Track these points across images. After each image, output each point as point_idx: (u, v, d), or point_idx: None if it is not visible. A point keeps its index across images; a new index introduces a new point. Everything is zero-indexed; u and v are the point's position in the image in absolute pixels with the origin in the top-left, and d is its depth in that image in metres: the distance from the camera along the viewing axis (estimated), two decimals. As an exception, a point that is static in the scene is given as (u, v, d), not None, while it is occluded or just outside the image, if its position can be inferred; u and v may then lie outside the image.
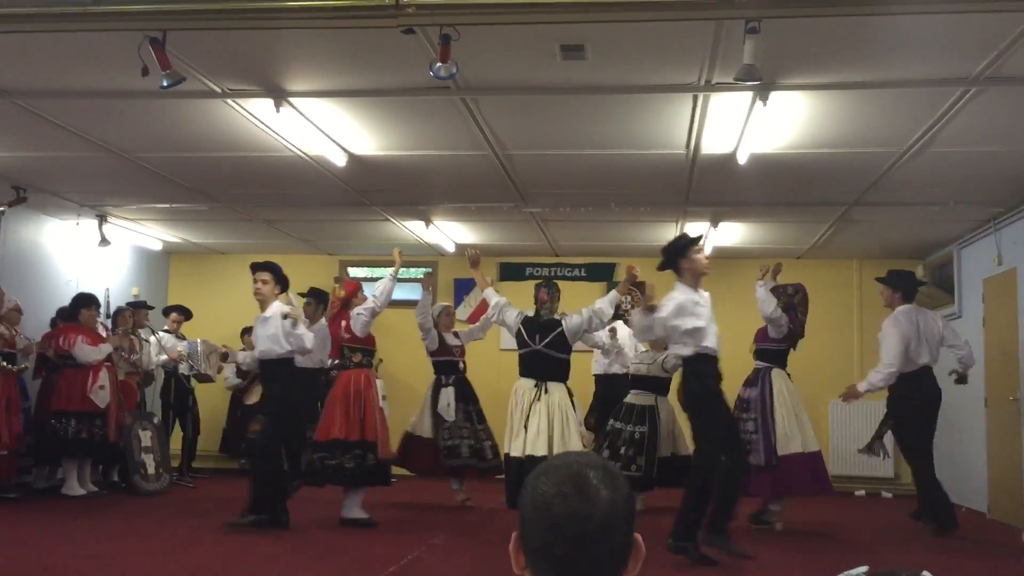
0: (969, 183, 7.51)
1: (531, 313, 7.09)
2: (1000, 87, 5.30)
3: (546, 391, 6.70)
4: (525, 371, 6.92)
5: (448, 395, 8.36)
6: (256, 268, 7.13)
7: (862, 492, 10.54)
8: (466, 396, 8.51)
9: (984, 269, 9.01)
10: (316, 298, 8.63)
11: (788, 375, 7.62)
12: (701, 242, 6.31)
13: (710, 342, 5.94)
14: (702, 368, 5.99)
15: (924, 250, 10.59)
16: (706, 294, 6.13)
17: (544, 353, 6.80)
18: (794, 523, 7.50)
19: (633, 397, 8.59)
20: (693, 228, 9.67)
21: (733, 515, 5.98)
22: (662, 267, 6.17)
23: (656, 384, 8.62)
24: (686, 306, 5.95)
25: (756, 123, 5.96)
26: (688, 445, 8.54)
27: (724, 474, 5.83)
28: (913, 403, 7.45)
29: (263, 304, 7.02)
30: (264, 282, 7.01)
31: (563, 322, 6.89)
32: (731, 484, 5.88)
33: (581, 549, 1.36)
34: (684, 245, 6.11)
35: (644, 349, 8.86)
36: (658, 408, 8.49)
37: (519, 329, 6.94)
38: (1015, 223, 8.30)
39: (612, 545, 1.38)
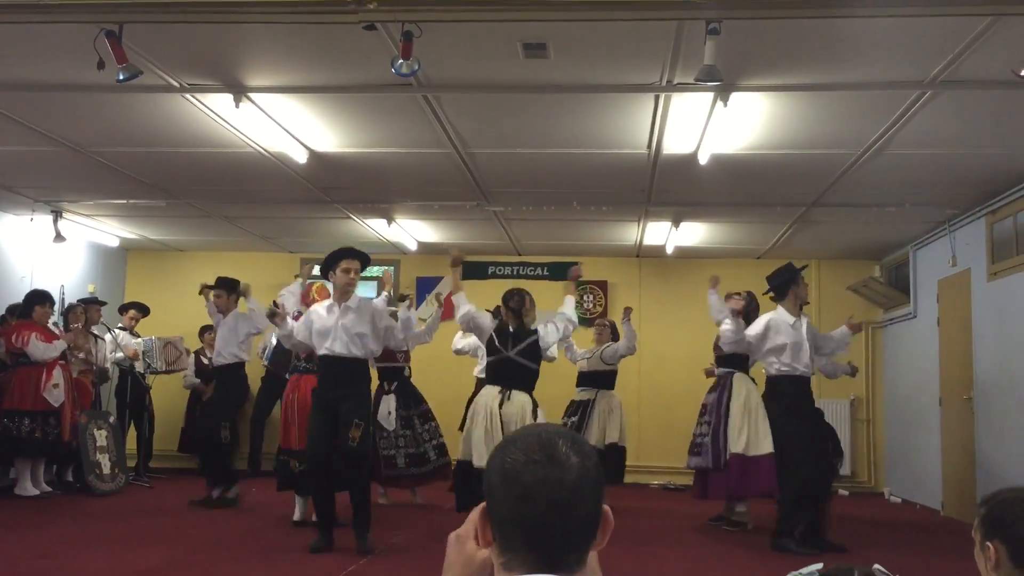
0: (925, 185, 7.63)
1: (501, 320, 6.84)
2: (955, 90, 5.39)
3: (508, 399, 6.41)
4: (491, 378, 6.63)
5: (389, 403, 8.24)
6: (350, 255, 6.34)
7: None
8: (408, 401, 8.35)
9: (939, 270, 9.16)
10: (228, 288, 8.29)
11: (752, 379, 7.71)
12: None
13: (796, 363, 6.70)
14: (783, 388, 6.77)
15: (881, 251, 10.75)
16: (805, 319, 6.86)
17: (514, 361, 6.54)
18: (759, 521, 7.56)
19: (578, 394, 8.71)
20: (655, 228, 9.75)
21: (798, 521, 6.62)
22: (776, 298, 6.92)
23: (598, 378, 8.70)
24: (779, 326, 6.74)
25: (717, 124, 6.01)
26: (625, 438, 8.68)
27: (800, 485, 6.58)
28: None
29: (347, 296, 6.31)
30: (357, 272, 6.33)
31: (539, 330, 6.60)
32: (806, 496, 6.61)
33: (553, 516, 1.34)
34: (795, 273, 6.90)
35: (591, 347, 8.92)
36: (595, 402, 8.55)
37: (491, 336, 6.64)
38: (969, 225, 8.45)
39: (584, 512, 1.36)
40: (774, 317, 6.85)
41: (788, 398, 6.77)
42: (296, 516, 7.20)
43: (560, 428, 1.46)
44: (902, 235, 9.76)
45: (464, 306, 6.69)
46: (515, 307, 6.62)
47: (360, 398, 6.32)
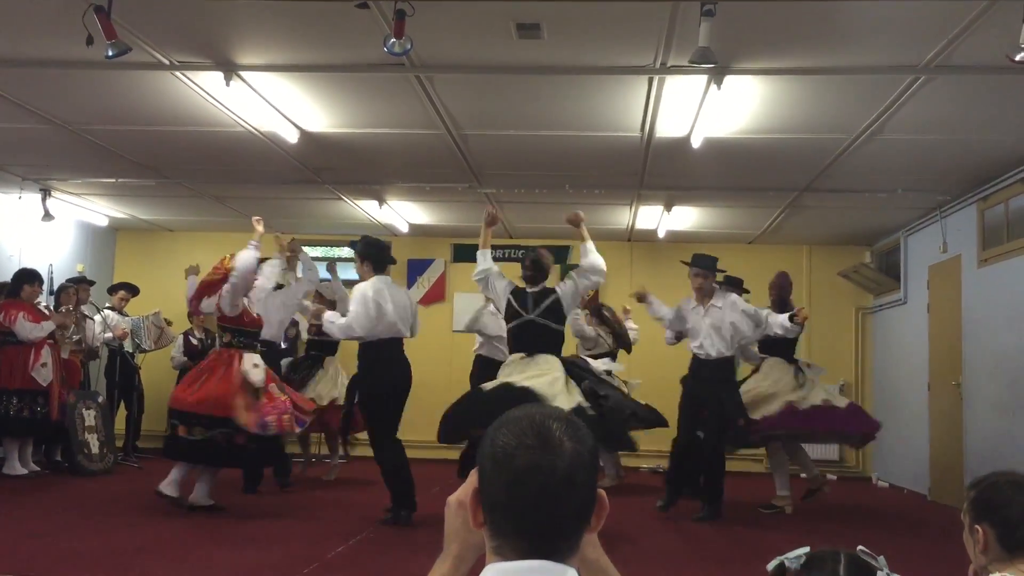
0: (916, 171, 7.63)
1: (521, 286, 6.45)
2: (948, 76, 5.38)
3: (535, 363, 6.11)
4: (516, 345, 6.33)
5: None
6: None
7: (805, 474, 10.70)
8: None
9: (929, 256, 9.18)
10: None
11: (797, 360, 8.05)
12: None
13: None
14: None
15: (872, 236, 10.77)
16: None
17: (536, 323, 6.23)
18: (738, 505, 7.60)
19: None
20: (647, 212, 9.73)
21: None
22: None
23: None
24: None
25: (710, 107, 5.99)
26: None
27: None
28: None
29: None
30: None
31: (557, 289, 6.31)
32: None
33: (543, 503, 1.30)
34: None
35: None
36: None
37: (508, 300, 6.33)
38: (960, 211, 8.46)
39: (575, 499, 1.32)
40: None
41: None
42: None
43: (556, 410, 1.40)
44: (893, 221, 9.77)
45: (484, 263, 6.48)
46: (531, 267, 6.40)
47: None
